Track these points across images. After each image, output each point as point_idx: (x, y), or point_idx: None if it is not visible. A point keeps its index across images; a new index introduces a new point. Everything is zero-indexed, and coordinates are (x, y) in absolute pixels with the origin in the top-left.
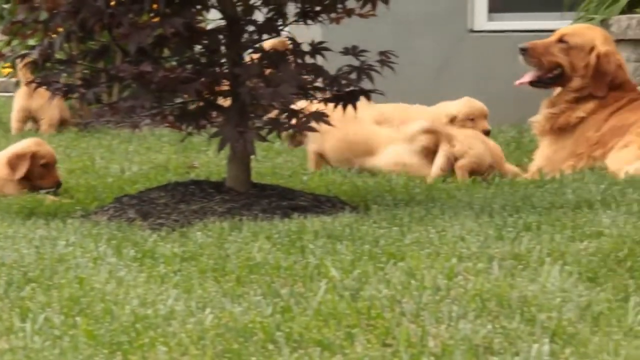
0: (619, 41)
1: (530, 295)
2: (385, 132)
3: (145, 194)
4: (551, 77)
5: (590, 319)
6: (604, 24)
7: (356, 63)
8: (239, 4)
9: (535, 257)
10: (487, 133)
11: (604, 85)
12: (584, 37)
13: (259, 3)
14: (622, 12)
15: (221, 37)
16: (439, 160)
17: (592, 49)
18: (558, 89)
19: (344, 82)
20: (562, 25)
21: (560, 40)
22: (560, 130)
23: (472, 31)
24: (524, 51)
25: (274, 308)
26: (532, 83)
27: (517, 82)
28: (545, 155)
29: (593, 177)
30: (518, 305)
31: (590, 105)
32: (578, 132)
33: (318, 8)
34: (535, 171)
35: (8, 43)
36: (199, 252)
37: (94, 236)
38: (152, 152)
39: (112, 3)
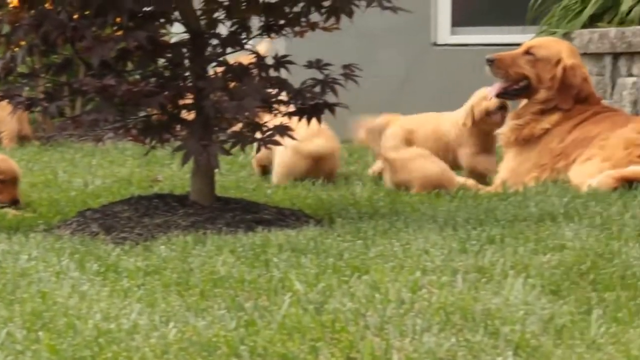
0: (581, 55)
1: (493, 308)
2: None
3: (109, 208)
4: (517, 88)
5: (553, 331)
6: (566, 37)
7: (320, 76)
8: (202, 17)
9: (498, 270)
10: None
11: (570, 98)
12: (551, 50)
13: (222, 17)
14: (584, 26)
15: (185, 50)
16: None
17: (558, 61)
18: (524, 101)
19: (308, 95)
20: (525, 39)
21: (527, 52)
22: (524, 141)
23: (436, 45)
24: (490, 62)
25: (238, 322)
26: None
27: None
28: (509, 167)
29: (556, 190)
30: (482, 319)
31: (555, 117)
32: (542, 143)
33: (282, 22)
34: (499, 184)
35: None
36: (163, 266)
37: (56, 250)
38: (115, 166)
39: (75, 16)
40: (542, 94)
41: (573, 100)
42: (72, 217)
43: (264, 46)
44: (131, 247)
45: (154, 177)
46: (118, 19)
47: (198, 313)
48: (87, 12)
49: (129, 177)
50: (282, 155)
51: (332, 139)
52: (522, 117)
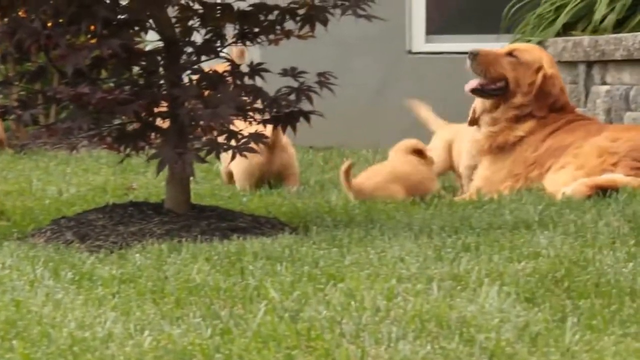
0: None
1: (469, 316)
2: None
3: (83, 216)
4: (494, 88)
5: (528, 339)
6: (540, 46)
7: (295, 84)
8: (177, 25)
9: (474, 277)
10: None
11: (546, 106)
12: (534, 56)
13: (197, 24)
14: (558, 35)
15: (159, 58)
16: None
17: (539, 68)
18: (499, 109)
19: (283, 103)
20: (498, 47)
21: (511, 54)
22: (499, 149)
23: (410, 52)
24: (473, 56)
25: (213, 330)
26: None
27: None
28: (484, 175)
29: (531, 198)
30: (457, 326)
31: (529, 124)
32: (516, 152)
33: (257, 29)
34: (473, 192)
35: None
36: (138, 274)
37: (30, 259)
38: (90, 174)
39: (49, 24)
40: (518, 99)
41: (548, 108)
42: (47, 226)
43: (235, 52)
44: (106, 255)
45: (128, 185)
46: (92, 27)
47: (173, 321)
48: (60, 20)
49: (104, 185)
50: (239, 163)
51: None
52: (496, 123)
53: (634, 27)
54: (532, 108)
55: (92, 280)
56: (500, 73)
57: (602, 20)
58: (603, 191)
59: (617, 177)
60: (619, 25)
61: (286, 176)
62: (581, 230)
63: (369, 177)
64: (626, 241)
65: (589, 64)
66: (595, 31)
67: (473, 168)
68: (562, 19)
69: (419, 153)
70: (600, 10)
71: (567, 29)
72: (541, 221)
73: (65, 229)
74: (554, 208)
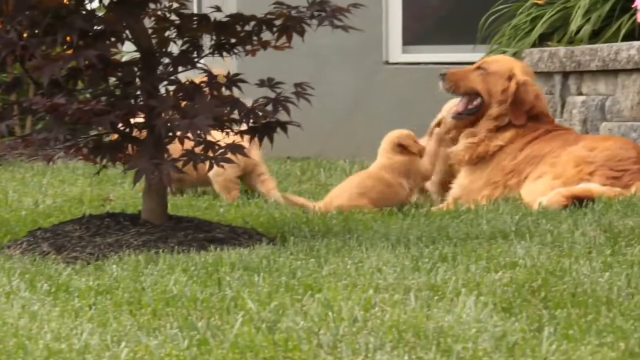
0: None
1: (446, 326)
2: None
3: (60, 227)
4: (472, 108)
5: (505, 349)
6: (516, 56)
7: (272, 95)
8: (153, 36)
9: (451, 287)
10: None
11: (522, 114)
12: (503, 65)
13: (174, 35)
14: (534, 45)
15: (136, 69)
16: None
17: (511, 76)
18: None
19: (260, 114)
20: (475, 57)
21: (479, 67)
22: (478, 159)
23: (388, 63)
24: (443, 76)
25: (190, 341)
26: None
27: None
28: (462, 185)
29: (507, 208)
30: (434, 336)
31: (508, 134)
32: (495, 161)
33: (233, 40)
34: (451, 201)
35: None
36: (114, 285)
37: (6, 270)
38: (66, 185)
39: (25, 35)
40: (494, 109)
41: (526, 116)
42: (23, 237)
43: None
44: (82, 266)
45: (105, 197)
46: (68, 38)
47: (150, 332)
48: (36, 31)
49: (80, 196)
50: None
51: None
52: (477, 135)
53: (609, 38)
54: (510, 117)
55: (69, 292)
56: (470, 87)
57: (578, 31)
58: (579, 201)
59: (593, 186)
60: (595, 36)
61: (259, 179)
62: (558, 240)
63: (336, 196)
64: (602, 251)
65: (565, 75)
66: (570, 42)
67: (441, 184)
68: (538, 29)
69: (404, 148)
70: (575, 21)
71: (543, 40)
72: (518, 231)
73: (41, 240)
74: (531, 218)
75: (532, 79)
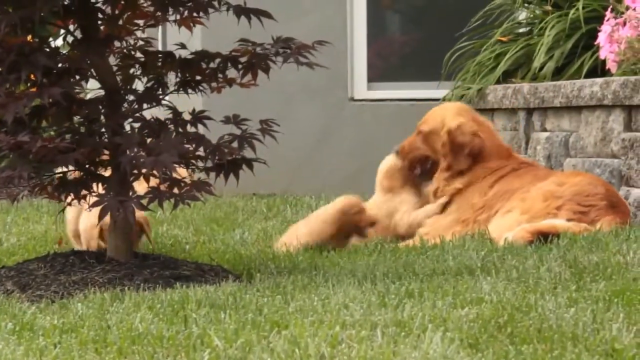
0: (495, 110)
1: None
2: None
3: (24, 266)
4: (428, 167)
5: None
6: (481, 93)
7: (238, 132)
8: (118, 73)
9: (417, 323)
10: None
11: (463, 157)
12: (435, 120)
13: (139, 72)
14: (498, 82)
15: (101, 106)
16: None
17: (443, 127)
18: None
19: (226, 150)
20: (440, 94)
21: (419, 132)
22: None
23: (353, 99)
24: (397, 153)
25: None
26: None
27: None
28: (430, 222)
29: (473, 244)
30: None
31: (464, 179)
32: (460, 200)
33: (198, 77)
34: (417, 238)
35: None
36: (80, 323)
37: None
38: (30, 223)
39: None
40: (443, 163)
41: (468, 158)
42: None
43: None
44: (47, 305)
45: (58, 239)
46: (32, 76)
47: None
48: (0, 69)
49: (45, 234)
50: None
51: None
52: (436, 184)
53: (572, 75)
54: (456, 165)
55: (33, 331)
56: (420, 154)
57: (541, 68)
58: (544, 237)
59: (558, 222)
60: (558, 73)
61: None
62: (523, 275)
63: (290, 238)
64: (567, 286)
65: (529, 111)
66: (534, 79)
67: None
68: (502, 66)
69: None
70: (539, 58)
71: (507, 77)
72: (484, 267)
73: (5, 278)
74: (497, 254)
75: (468, 116)
